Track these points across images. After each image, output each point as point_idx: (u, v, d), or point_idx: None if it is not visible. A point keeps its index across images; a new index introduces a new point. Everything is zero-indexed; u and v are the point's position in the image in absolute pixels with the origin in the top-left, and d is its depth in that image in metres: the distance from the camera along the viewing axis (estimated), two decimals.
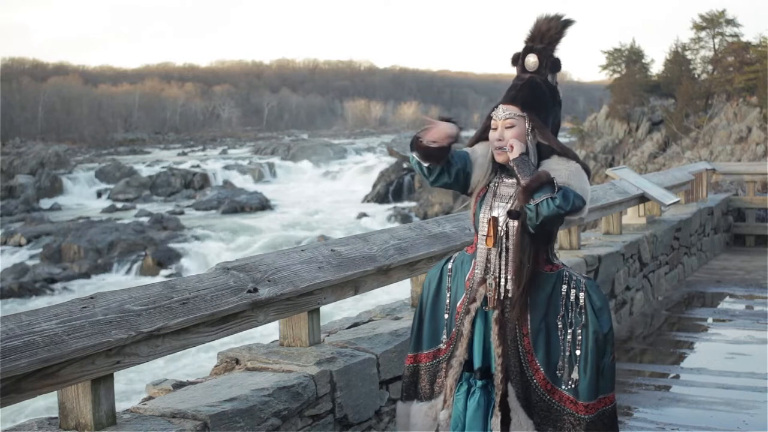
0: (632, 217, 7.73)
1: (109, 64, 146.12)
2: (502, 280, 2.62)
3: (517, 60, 2.72)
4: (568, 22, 2.68)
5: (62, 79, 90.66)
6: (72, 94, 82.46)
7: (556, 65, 2.69)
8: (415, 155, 2.63)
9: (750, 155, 24.48)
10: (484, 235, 2.65)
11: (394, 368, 3.53)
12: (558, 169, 2.57)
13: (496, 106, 2.68)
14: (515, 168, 2.56)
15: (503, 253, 2.63)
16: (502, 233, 2.63)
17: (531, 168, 2.55)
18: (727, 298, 7.49)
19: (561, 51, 2.71)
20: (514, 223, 2.60)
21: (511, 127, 2.62)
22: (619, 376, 5.03)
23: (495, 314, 2.62)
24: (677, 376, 5.21)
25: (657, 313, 6.93)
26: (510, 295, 2.61)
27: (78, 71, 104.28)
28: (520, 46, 2.74)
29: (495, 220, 2.64)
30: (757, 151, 24.82)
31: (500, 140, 2.63)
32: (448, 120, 2.61)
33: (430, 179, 2.67)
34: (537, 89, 2.65)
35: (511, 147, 2.57)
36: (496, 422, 2.60)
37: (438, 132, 2.54)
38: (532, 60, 2.67)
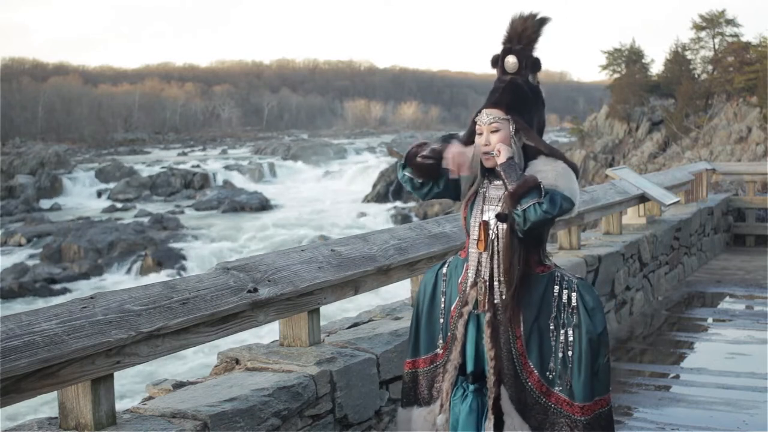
0: (632, 217, 7.73)
1: (109, 64, 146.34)
2: (495, 282, 2.62)
3: (497, 62, 2.70)
4: (543, 21, 2.66)
5: (62, 79, 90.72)
6: (72, 94, 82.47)
7: (536, 65, 2.68)
8: (407, 172, 2.64)
9: (750, 155, 24.50)
10: (475, 239, 2.65)
11: (394, 368, 3.53)
12: (545, 170, 2.56)
13: (479, 111, 2.67)
14: (502, 173, 2.55)
15: (494, 256, 2.62)
16: (493, 236, 2.62)
17: (518, 173, 2.54)
18: (727, 298, 7.49)
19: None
20: (503, 226, 2.60)
21: (497, 131, 2.61)
22: (620, 376, 5.03)
23: (487, 317, 2.62)
24: (677, 376, 5.21)
25: (657, 313, 6.93)
26: (502, 297, 2.60)
27: (78, 71, 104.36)
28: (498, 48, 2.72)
29: (486, 223, 2.63)
30: (757, 151, 24.84)
31: (487, 145, 2.62)
32: (450, 137, 2.61)
33: (422, 192, 2.68)
34: (519, 91, 2.64)
35: (499, 151, 2.58)
36: (489, 425, 2.59)
37: (456, 159, 2.54)
38: (511, 61, 2.65)
